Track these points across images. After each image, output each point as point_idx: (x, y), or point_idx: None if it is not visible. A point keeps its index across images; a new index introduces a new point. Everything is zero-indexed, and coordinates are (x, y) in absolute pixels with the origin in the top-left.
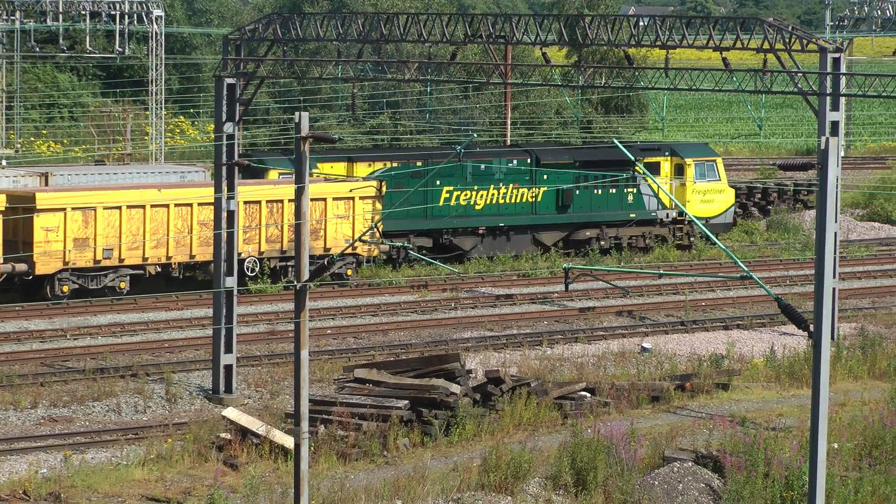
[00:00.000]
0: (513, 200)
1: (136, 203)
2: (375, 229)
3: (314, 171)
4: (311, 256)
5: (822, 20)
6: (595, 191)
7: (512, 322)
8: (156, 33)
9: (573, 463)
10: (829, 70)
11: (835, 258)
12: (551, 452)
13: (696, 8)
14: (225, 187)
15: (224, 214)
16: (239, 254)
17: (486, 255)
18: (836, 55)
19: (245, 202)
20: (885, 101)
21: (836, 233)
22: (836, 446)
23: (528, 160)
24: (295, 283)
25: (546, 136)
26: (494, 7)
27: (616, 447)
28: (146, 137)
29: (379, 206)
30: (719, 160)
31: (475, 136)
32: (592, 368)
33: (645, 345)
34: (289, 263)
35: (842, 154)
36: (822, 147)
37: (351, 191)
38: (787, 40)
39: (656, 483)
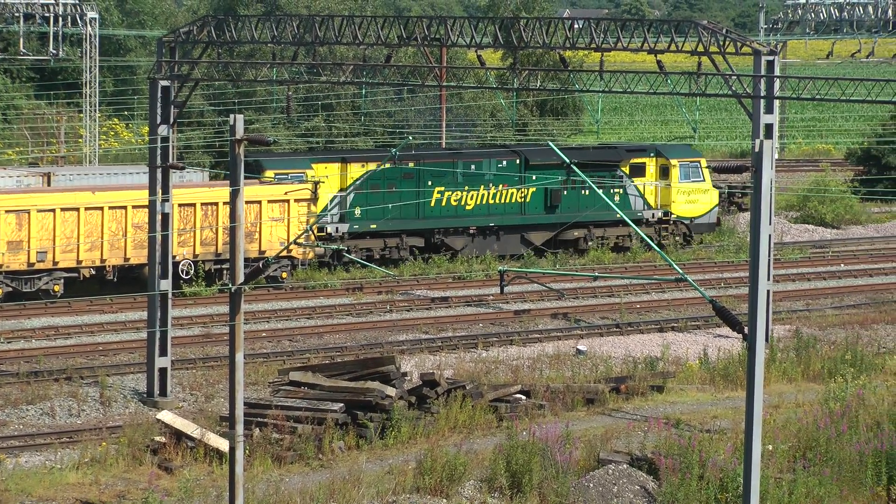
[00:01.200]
0: (502, 201)
1: (70, 206)
2: (310, 232)
3: (308, 171)
4: (246, 259)
5: (757, 23)
6: (582, 191)
7: (447, 325)
8: (90, 35)
9: (508, 465)
10: (762, 73)
11: (769, 260)
12: (486, 455)
13: (630, 11)
14: (159, 190)
15: (158, 217)
16: (173, 256)
17: (477, 255)
18: (770, 58)
19: (180, 205)
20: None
21: (770, 235)
22: (770, 448)
23: (517, 161)
24: (230, 285)
25: (480, 138)
26: (429, 10)
27: (551, 450)
28: (80, 140)
29: (314, 208)
30: (703, 161)
31: (411, 138)
32: (528, 371)
33: (580, 347)
34: (223, 266)
35: (776, 157)
36: (756, 150)
37: (286, 193)
38: (722, 43)
39: (591, 485)
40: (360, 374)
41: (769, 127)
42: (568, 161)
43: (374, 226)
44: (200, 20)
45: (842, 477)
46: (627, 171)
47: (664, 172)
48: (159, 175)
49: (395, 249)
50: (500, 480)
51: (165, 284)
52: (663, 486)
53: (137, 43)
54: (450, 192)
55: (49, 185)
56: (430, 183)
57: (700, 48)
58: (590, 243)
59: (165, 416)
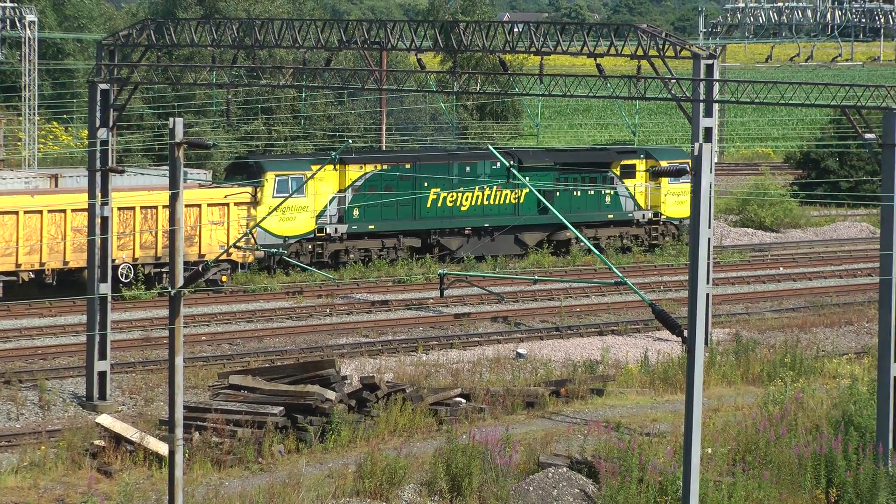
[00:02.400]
0: (496, 202)
1: (8, 209)
2: (250, 235)
3: (307, 172)
4: (186, 263)
5: (696, 27)
6: (574, 192)
7: (387, 328)
8: (28, 39)
9: (448, 469)
10: (702, 76)
11: (708, 264)
12: (426, 458)
13: (570, 14)
14: (99, 193)
15: (98, 220)
16: (113, 260)
17: (473, 255)
18: (710, 62)
19: (119, 208)
20: (758, 107)
21: (709, 238)
22: (709, 451)
23: (511, 162)
24: (169, 289)
25: (421, 141)
26: (369, 13)
27: (491, 453)
28: (19, 143)
29: (254, 212)
30: (690, 162)
31: (350, 142)
32: (468, 374)
33: (520, 350)
34: (163, 270)
35: (715, 160)
36: (696, 153)
37: (226, 197)
38: (661, 47)
39: (531, 489)
40: (301, 378)
41: (708, 130)
42: (508, 164)
43: (373, 226)
44: (140, 23)
45: (781, 480)
46: (618, 173)
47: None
48: (99, 179)
49: (392, 250)
50: (439, 484)
51: (105, 288)
52: (603, 490)
53: (76, 46)
54: (445, 193)
55: (56, 186)
56: (426, 184)
57: (640, 52)
58: (581, 244)
59: (105, 419)
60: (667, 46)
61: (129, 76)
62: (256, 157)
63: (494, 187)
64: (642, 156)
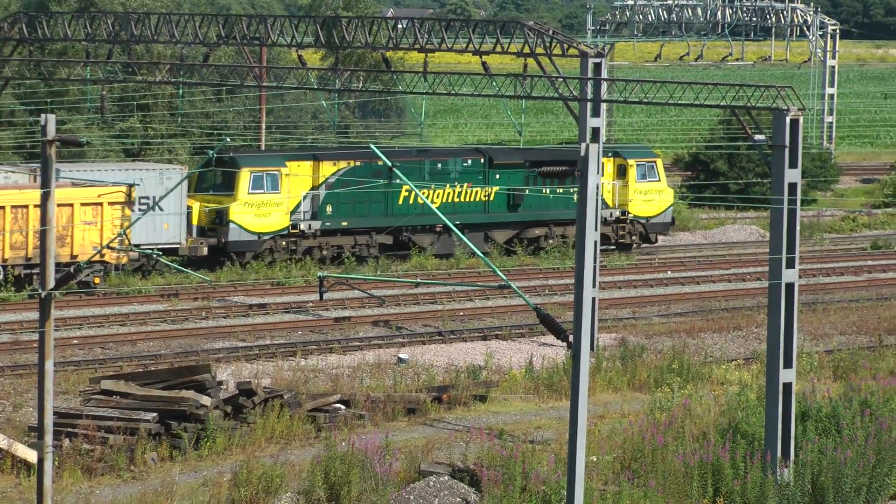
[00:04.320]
0: (467, 199)
1: None
2: (124, 236)
3: (283, 168)
4: (58, 264)
5: (584, 24)
6: (543, 190)
7: (265, 332)
8: None
9: (326, 477)
10: (589, 75)
11: (595, 267)
12: (304, 467)
13: (455, 11)
14: None
15: None
16: None
17: (443, 253)
18: (597, 60)
19: None
20: (646, 107)
21: (595, 241)
22: (594, 459)
23: (482, 160)
24: (40, 291)
25: (301, 140)
26: (249, 8)
27: (371, 461)
28: None
29: (128, 212)
30: (659, 161)
31: (228, 139)
32: (348, 380)
33: (401, 355)
34: (34, 271)
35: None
36: (583, 153)
37: (99, 196)
38: (548, 44)
39: (412, 497)
40: (175, 383)
41: (596, 131)
42: (390, 163)
43: (346, 223)
44: (11, 17)
45: (667, 489)
46: None
47: (621, 172)
48: None
49: (365, 247)
50: (317, 493)
51: None
52: (485, 499)
53: None
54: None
55: (36, 181)
56: (398, 181)
57: (526, 49)
58: (550, 241)
59: None
60: (554, 44)
61: None
62: (231, 152)
63: (465, 185)
64: (610, 154)
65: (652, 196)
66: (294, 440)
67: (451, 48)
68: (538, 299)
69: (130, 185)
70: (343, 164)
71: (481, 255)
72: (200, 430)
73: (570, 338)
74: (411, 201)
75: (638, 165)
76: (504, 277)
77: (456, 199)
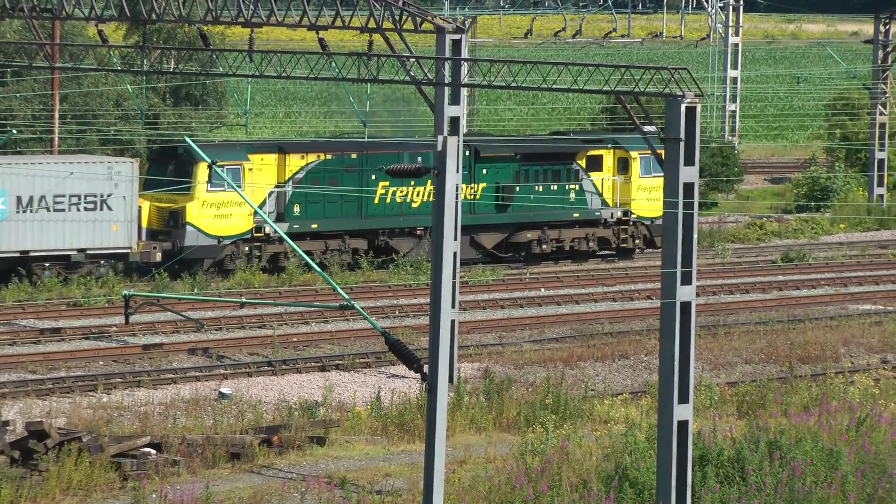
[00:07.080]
0: None
1: None
2: None
3: (245, 162)
4: None
5: None
6: (536, 187)
7: (60, 362)
8: None
9: None
10: (447, 55)
11: (454, 283)
12: None
13: None
14: None
15: None
16: None
17: (425, 260)
18: (457, 37)
19: None
20: (515, 93)
21: (455, 253)
22: None
23: (467, 153)
24: None
25: (102, 133)
26: None
27: None
28: None
29: None
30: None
31: (15, 132)
32: (159, 419)
33: (223, 390)
34: None
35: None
36: (440, 148)
37: None
38: (398, 18)
39: None
40: None
41: (455, 121)
42: (209, 161)
43: (316, 225)
44: None
45: None
46: (584, 165)
47: (623, 166)
48: None
49: (337, 253)
50: None
51: None
52: None
53: None
54: (395, 188)
55: None
56: (373, 177)
57: (372, 24)
58: (543, 246)
59: None
60: (405, 17)
61: None
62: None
63: None
64: (610, 145)
65: (657, 194)
66: (95, 491)
67: (282, 22)
68: (387, 322)
69: None
70: (312, 158)
71: (317, 268)
72: None
73: (425, 368)
74: (388, 200)
75: (642, 158)
76: (346, 296)
77: None
